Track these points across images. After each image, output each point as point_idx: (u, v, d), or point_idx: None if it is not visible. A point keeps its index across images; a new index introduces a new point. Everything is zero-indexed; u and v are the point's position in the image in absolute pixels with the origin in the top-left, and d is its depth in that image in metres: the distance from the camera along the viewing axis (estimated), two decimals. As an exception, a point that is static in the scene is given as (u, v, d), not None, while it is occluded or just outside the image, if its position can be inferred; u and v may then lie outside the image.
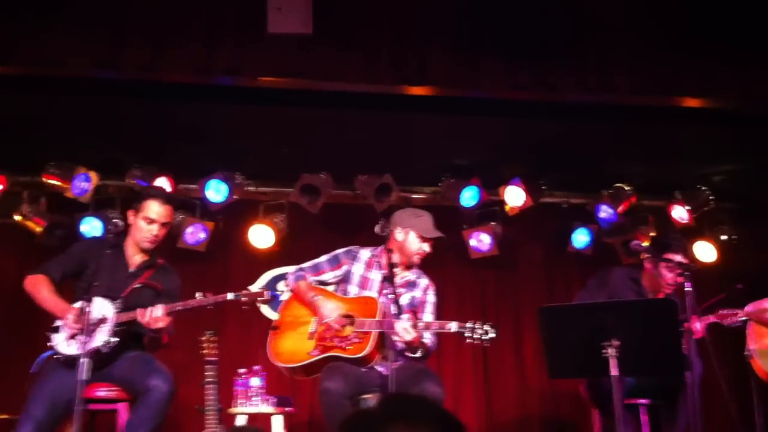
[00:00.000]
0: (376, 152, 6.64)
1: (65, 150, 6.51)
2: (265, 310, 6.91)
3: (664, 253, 4.79)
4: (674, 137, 6.39)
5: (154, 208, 4.50)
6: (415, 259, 4.73)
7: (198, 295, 4.33)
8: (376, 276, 4.71)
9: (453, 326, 4.34)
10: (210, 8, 5.09)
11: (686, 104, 5.68)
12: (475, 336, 4.27)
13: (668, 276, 4.76)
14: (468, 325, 4.30)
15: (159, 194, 4.63)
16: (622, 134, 6.36)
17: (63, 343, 4.28)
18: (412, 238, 4.71)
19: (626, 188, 7.10)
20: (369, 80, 5.30)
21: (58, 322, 4.34)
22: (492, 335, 4.27)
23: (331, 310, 4.54)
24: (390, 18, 5.23)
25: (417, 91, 5.48)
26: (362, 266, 4.74)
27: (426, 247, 4.72)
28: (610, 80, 5.36)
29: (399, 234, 4.70)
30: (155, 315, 4.21)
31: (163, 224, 4.55)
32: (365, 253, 4.79)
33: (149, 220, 4.50)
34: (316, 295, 4.61)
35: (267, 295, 4.43)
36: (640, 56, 5.33)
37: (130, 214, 4.55)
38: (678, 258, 4.76)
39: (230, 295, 4.35)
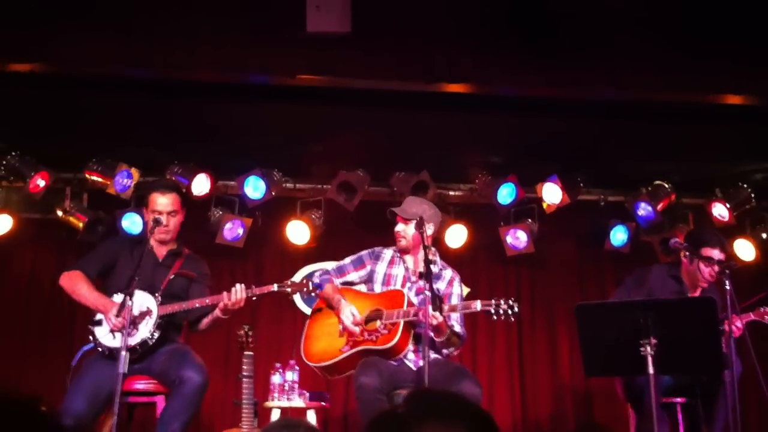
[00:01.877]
0: (412, 149, 6.65)
1: (107, 147, 6.59)
2: (299, 302, 6.96)
3: (700, 248, 4.76)
4: (714, 135, 6.29)
5: (157, 200, 4.59)
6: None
7: (239, 285, 4.39)
8: (399, 272, 4.79)
9: (477, 305, 4.41)
10: (244, 6, 5.13)
11: (726, 101, 5.61)
12: (500, 311, 4.32)
13: (705, 271, 4.72)
14: (492, 301, 4.36)
15: (160, 185, 4.72)
16: (660, 132, 6.29)
17: (107, 336, 4.36)
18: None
19: (666, 186, 7.03)
20: (405, 78, 5.32)
21: (98, 316, 4.42)
22: (516, 309, 4.32)
23: (350, 314, 4.60)
24: (421, 16, 5.22)
25: (453, 88, 5.47)
26: (385, 265, 4.82)
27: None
28: (646, 77, 5.32)
29: (430, 229, 4.74)
30: (240, 297, 4.33)
31: (170, 213, 4.59)
32: (388, 252, 4.86)
33: (156, 212, 4.57)
34: (339, 299, 4.69)
35: (311, 286, 4.52)
36: (678, 52, 5.27)
37: (144, 212, 4.66)
38: (715, 253, 4.72)
39: (275, 287, 4.43)
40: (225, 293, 4.36)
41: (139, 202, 6.74)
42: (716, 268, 4.58)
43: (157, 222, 4.52)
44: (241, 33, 5.13)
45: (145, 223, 6.32)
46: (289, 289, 4.44)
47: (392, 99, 5.67)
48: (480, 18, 5.22)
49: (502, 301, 4.34)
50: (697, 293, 4.90)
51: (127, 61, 5.14)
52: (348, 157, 6.77)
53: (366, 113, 6.06)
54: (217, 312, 4.43)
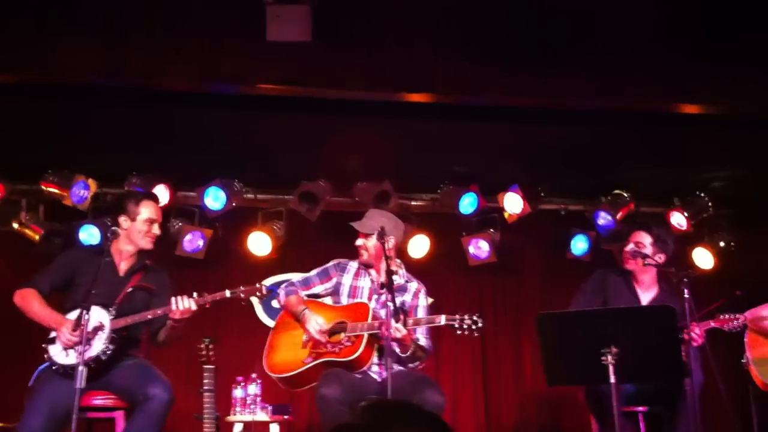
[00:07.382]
0: (375, 159, 6.63)
1: (64, 157, 6.50)
2: (262, 315, 6.90)
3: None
4: (674, 143, 6.37)
5: (153, 209, 4.59)
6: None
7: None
8: (365, 284, 4.78)
9: (442, 319, 4.42)
10: (211, 15, 5.09)
11: (686, 110, 5.69)
12: (464, 326, 4.33)
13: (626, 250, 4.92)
14: (456, 316, 4.36)
15: (152, 196, 4.79)
16: (621, 141, 6.35)
17: (61, 354, 4.25)
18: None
19: (625, 195, 7.11)
20: (369, 87, 5.31)
21: (53, 334, 4.31)
22: (480, 324, 4.34)
23: (316, 323, 4.57)
24: (391, 25, 5.23)
25: (416, 98, 5.48)
26: (351, 277, 4.82)
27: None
28: (610, 86, 5.37)
29: (391, 241, 4.72)
30: (188, 306, 4.25)
31: (160, 223, 4.65)
32: (354, 265, 4.86)
33: (151, 220, 4.55)
34: (304, 309, 4.65)
35: (264, 289, 4.46)
36: (641, 61, 5.33)
37: (124, 220, 4.55)
38: (641, 235, 4.94)
39: (227, 293, 4.38)
40: (173, 299, 4.30)
41: (96, 213, 6.64)
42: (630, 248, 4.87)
43: (151, 228, 4.55)
44: (205, 41, 5.09)
45: (102, 234, 6.27)
46: (242, 294, 4.40)
47: (356, 108, 5.65)
48: (449, 27, 5.23)
49: (466, 316, 4.35)
50: (652, 293, 4.97)
51: (87, 71, 5.08)
52: (310, 166, 6.73)
53: (328, 123, 6.04)
54: (169, 322, 4.35)
